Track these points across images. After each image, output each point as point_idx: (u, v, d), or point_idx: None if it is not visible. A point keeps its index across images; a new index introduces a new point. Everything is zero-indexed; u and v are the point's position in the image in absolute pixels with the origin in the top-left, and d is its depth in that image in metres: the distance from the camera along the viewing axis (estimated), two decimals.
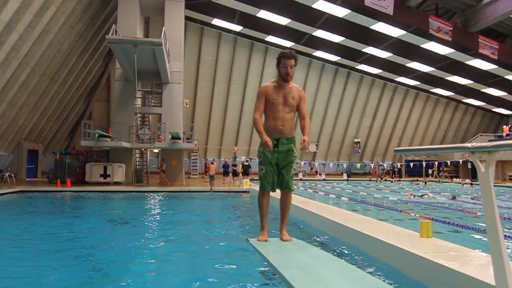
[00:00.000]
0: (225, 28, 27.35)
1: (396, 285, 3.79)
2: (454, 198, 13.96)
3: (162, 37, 16.55)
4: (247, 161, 21.80)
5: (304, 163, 33.40)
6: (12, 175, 18.71)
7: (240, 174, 19.83)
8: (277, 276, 3.99)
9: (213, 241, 6.46)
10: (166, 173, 19.49)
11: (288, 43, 27.68)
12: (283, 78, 3.67)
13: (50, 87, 21.09)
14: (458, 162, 30.32)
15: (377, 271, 4.32)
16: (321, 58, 30.08)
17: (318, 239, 6.26)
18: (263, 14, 23.03)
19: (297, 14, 22.44)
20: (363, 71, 31.75)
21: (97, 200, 13.72)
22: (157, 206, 12.31)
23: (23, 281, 4.24)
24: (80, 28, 19.96)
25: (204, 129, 30.75)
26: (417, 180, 26.69)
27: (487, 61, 24.64)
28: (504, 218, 8.74)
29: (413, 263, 3.98)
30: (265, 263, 4.33)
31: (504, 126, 35.21)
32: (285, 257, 3.12)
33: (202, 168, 26.99)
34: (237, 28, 26.66)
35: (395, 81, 32.88)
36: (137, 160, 21.55)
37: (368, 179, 31.07)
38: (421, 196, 14.64)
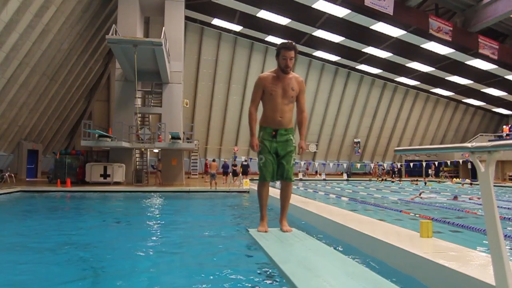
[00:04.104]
0: (225, 28, 27.36)
1: (396, 285, 3.78)
2: (455, 198, 13.82)
3: (162, 37, 16.55)
4: (246, 161, 21.79)
5: (304, 163, 33.41)
6: (12, 175, 18.69)
7: (240, 174, 19.83)
8: (276, 274, 3.99)
9: (213, 241, 6.46)
10: (166, 173, 19.52)
11: None
12: (283, 70, 3.62)
13: (50, 87, 21.10)
14: (458, 162, 30.32)
15: (377, 271, 4.32)
16: (321, 58, 30.08)
17: (318, 239, 6.25)
18: (263, 14, 23.03)
19: (297, 14, 22.44)
20: (363, 71, 31.75)
21: (97, 200, 13.72)
22: (157, 206, 12.31)
23: (23, 281, 4.24)
24: (80, 28, 19.96)
25: (204, 129, 30.76)
26: (417, 180, 26.70)
27: (487, 61, 24.65)
28: (504, 218, 8.74)
29: (413, 263, 3.98)
30: (265, 262, 4.32)
31: (504, 126, 35.22)
32: (284, 250, 3.13)
33: (202, 168, 27.00)
34: (237, 28, 26.66)
35: (395, 81, 32.88)
36: (137, 160, 21.56)
37: (368, 179, 31.07)
38: (419, 195, 14.49)
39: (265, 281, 4.09)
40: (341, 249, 5.40)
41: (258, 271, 4.40)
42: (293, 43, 3.65)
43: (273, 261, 2.86)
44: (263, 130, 3.70)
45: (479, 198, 13.31)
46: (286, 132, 3.66)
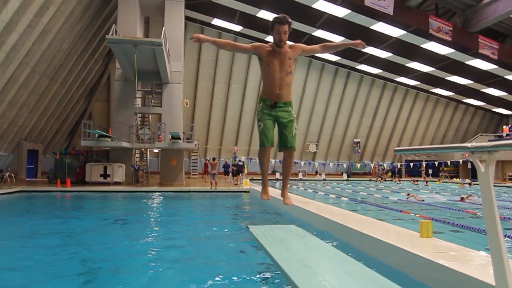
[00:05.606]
0: (225, 28, 27.35)
1: (395, 285, 3.78)
2: (462, 199, 13.16)
3: (162, 37, 16.55)
4: (240, 160, 21.75)
5: (304, 163, 33.40)
6: (12, 175, 18.69)
7: (240, 174, 19.80)
8: (276, 273, 4.00)
9: (213, 241, 6.47)
10: (165, 173, 19.54)
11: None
12: (277, 44, 3.60)
13: (50, 87, 21.09)
14: (458, 162, 30.31)
15: (377, 271, 4.31)
16: (321, 58, 30.07)
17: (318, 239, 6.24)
18: (263, 14, 23.03)
19: (297, 14, 22.42)
20: (363, 71, 31.74)
21: (97, 200, 13.72)
22: (157, 206, 12.31)
23: (22, 281, 4.24)
24: (80, 28, 19.95)
25: (204, 129, 30.75)
26: (418, 180, 26.69)
27: (487, 61, 24.64)
28: (504, 218, 8.74)
29: (413, 263, 3.98)
30: (264, 262, 4.32)
31: (504, 126, 35.20)
32: (285, 248, 3.16)
33: (202, 168, 26.99)
34: (237, 28, 26.66)
35: (395, 81, 32.87)
36: (137, 160, 21.55)
37: (368, 179, 31.06)
38: (407, 194, 14.12)
39: (265, 280, 4.09)
40: (342, 249, 5.40)
41: (258, 270, 4.40)
42: (287, 17, 3.59)
43: (274, 260, 2.89)
44: (262, 102, 3.70)
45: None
46: (285, 105, 3.65)
